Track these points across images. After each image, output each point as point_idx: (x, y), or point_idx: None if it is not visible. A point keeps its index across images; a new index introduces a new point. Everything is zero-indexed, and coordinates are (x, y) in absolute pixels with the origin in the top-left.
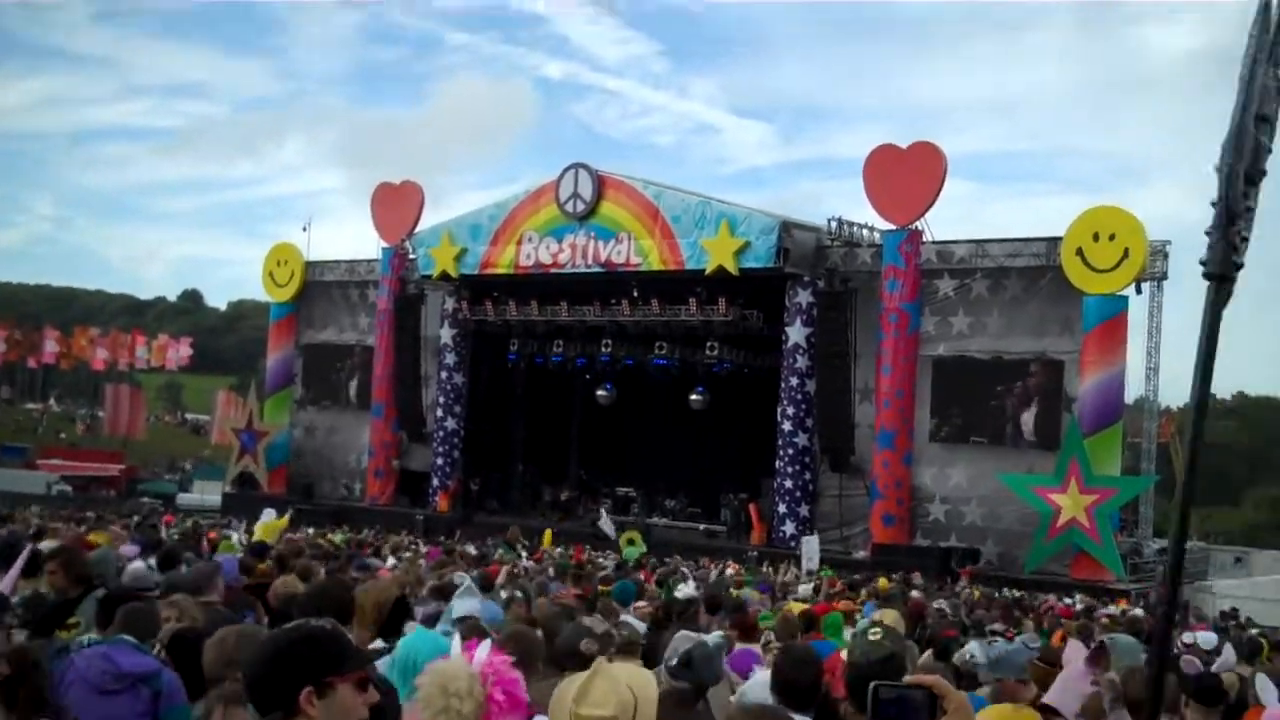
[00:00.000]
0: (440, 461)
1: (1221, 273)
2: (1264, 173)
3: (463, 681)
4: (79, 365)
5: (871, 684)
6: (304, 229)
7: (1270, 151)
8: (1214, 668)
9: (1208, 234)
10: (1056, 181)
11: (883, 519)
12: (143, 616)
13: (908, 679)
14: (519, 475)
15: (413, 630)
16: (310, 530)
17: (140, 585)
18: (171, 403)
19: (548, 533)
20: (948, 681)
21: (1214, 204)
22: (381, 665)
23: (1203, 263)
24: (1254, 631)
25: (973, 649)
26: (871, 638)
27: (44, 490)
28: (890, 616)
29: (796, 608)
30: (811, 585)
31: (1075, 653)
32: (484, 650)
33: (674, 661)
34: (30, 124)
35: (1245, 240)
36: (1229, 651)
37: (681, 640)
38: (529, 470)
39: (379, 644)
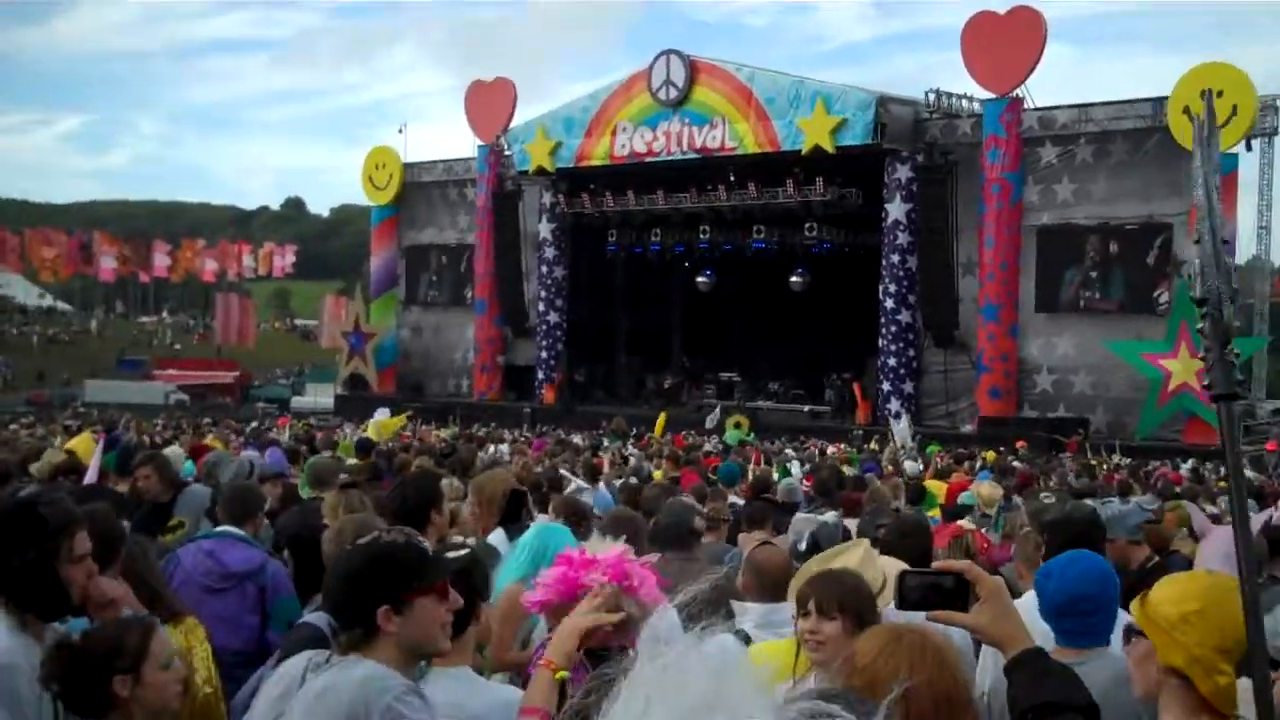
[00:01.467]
0: (544, 355)
1: (1229, 393)
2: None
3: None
4: (189, 277)
5: (898, 571)
6: (400, 131)
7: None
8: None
9: (1203, 359)
10: (1160, 41)
11: (989, 392)
12: (246, 494)
13: (937, 564)
14: (623, 365)
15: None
16: (423, 426)
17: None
18: (280, 309)
19: (661, 418)
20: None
21: (1203, 329)
22: (510, 546)
23: (1207, 386)
24: None
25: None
26: (1045, 499)
27: (162, 400)
28: (985, 489)
29: (935, 486)
30: (917, 464)
31: (1204, 524)
32: (602, 546)
33: (801, 545)
34: (132, 43)
35: (1238, 356)
36: None
37: (802, 523)
38: (632, 360)
39: (499, 533)
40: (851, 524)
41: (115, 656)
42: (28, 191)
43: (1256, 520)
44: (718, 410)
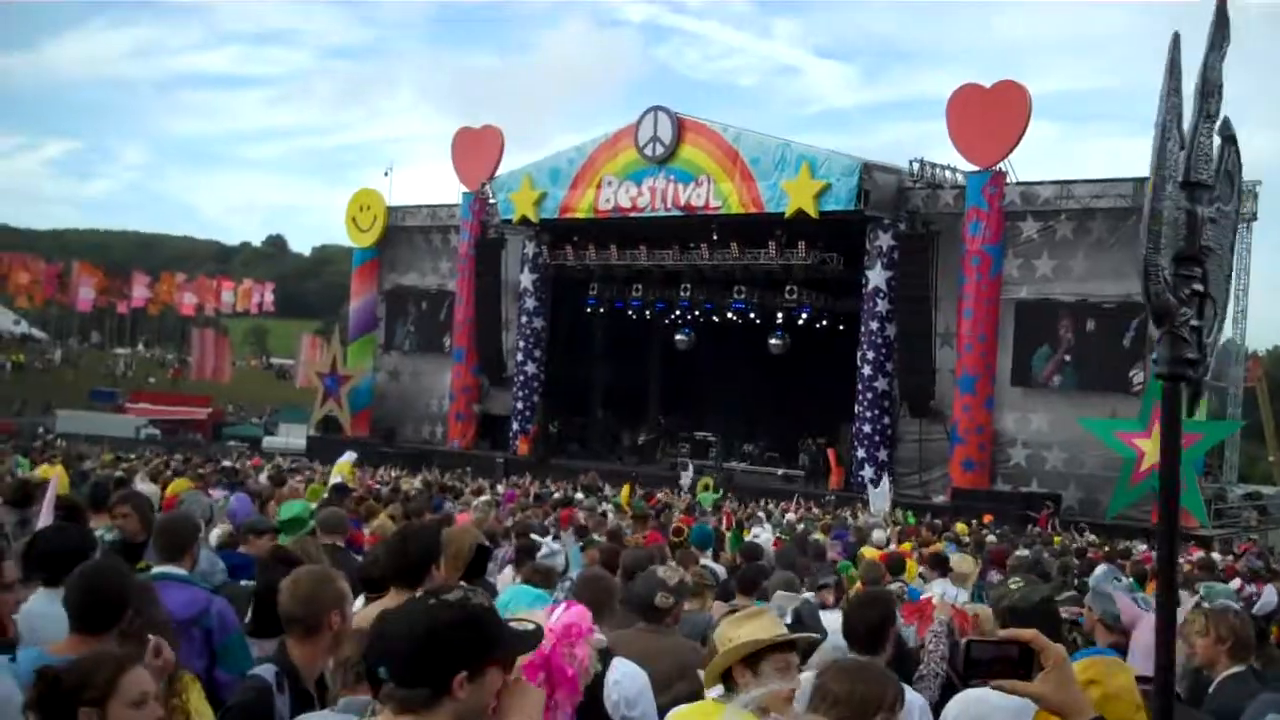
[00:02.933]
0: (520, 405)
1: (1171, 373)
2: (1208, 250)
3: None
4: (166, 310)
5: (964, 640)
6: (385, 174)
7: (1213, 221)
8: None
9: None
10: (1143, 121)
11: (963, 464)
12: (177, 526)
13: (1003, 634)
14: (599, 419)
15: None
16: (393, 473)
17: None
18: (257, 347)
19: (626, 486)
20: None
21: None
22: None
23: (1154, 362)
24: None
25: (1098, 572)
26: (1013, 585)
27: (133, 434)
28: (966, 563)
29: (870, 554)
30: (885, 532)
31: (1130, 612)
32: (558, 613)
33: (785, 619)
34: (120, 73)
35: (1197, 329)
36: (1269, 594)
37: (783, 599)
38: (608, 414)
39: (463, 586)
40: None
41: (83, 689)
42: (7, 216)
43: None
44: (690, 470)
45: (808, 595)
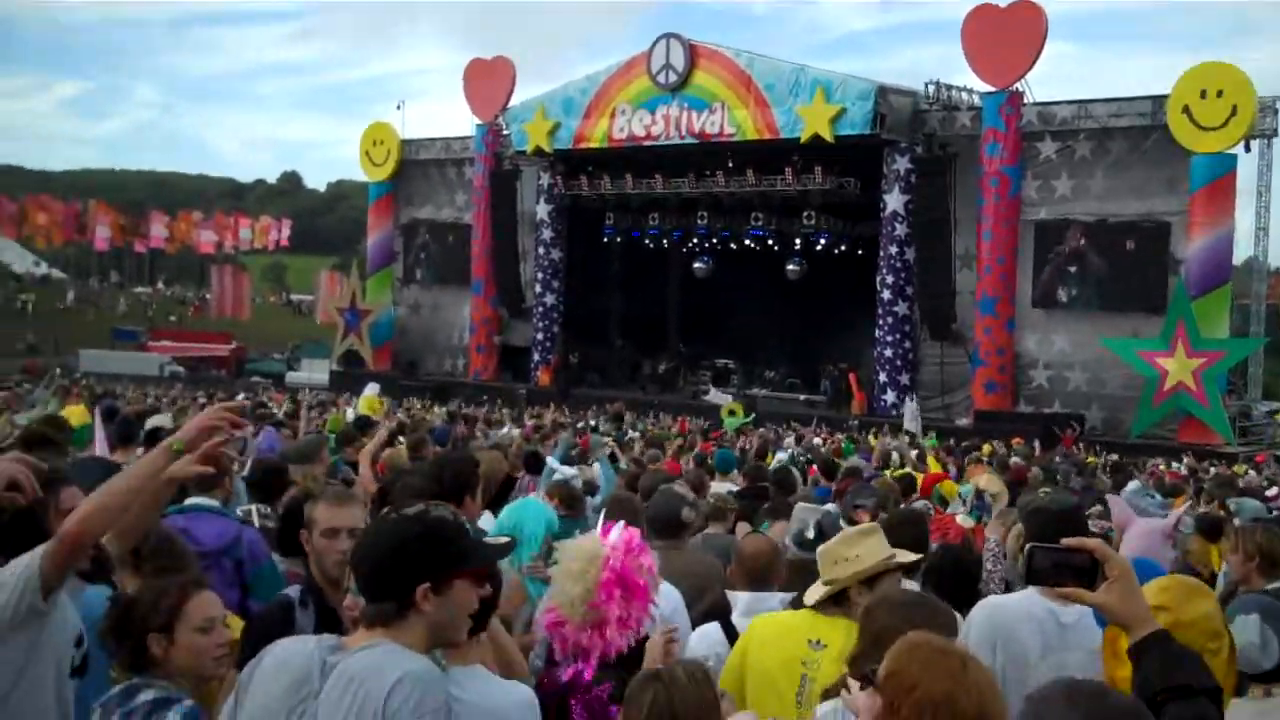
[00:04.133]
0: (540, 336)
1: None
2: None
3: (576, 563)
4: (184, 249)
5: (1028, 546)
6: (398, 108)
7: None
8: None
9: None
10: (1162, 39)
11: (985, 386)
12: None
13: (1068, 542)
14: (618, 349)
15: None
16: (417, 404)
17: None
18: (275, 283)
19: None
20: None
21: None
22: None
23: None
24: None
25: (1131, 486)
26: (1043, 494)
27: (157, 372)
28: (987, 479)
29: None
30: (913, 453)
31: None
32: (616, 532)
33: (808, 533)
34: (131, 12)
35: None
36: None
37: (804, 512)
38: (628, 343)
39: (486, 517)
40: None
41: (151, 614)
42: (23, 158)
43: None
44: (713, 390)
45: (829, 507)
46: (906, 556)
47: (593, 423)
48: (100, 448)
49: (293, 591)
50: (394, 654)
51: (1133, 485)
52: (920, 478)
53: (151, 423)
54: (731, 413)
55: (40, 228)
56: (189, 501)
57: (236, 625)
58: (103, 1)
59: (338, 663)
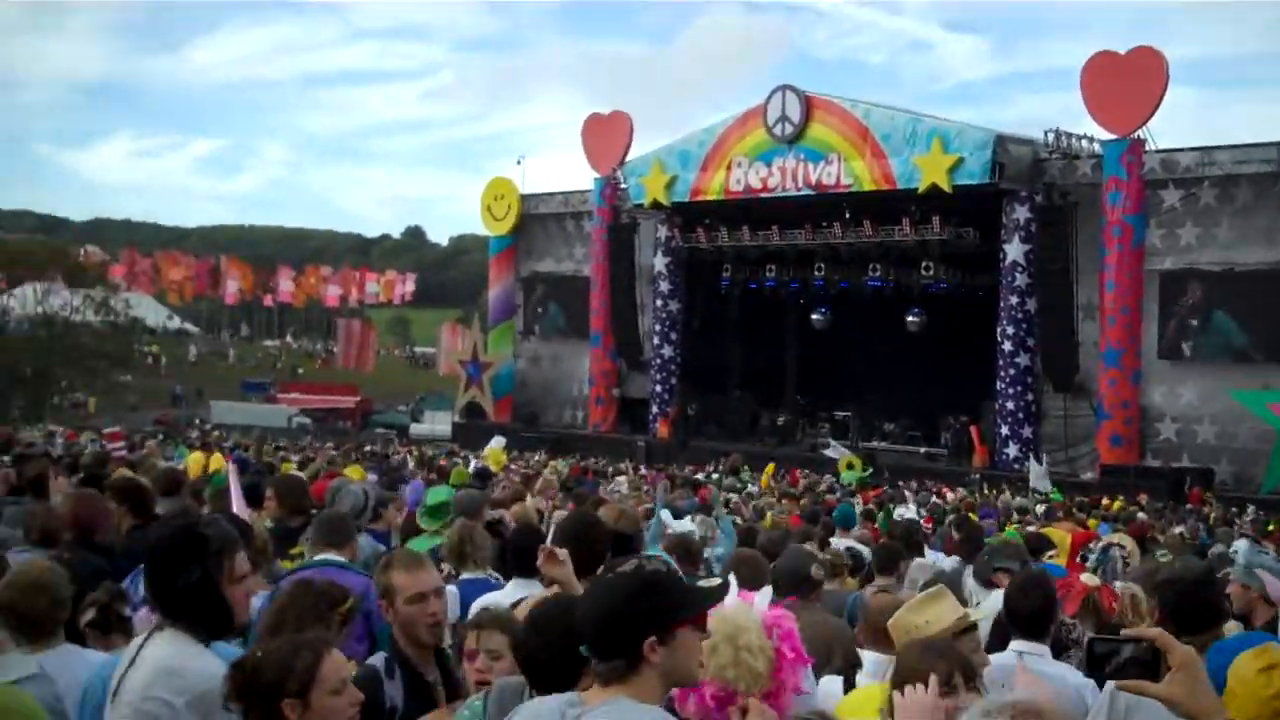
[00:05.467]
0: (658, 388)
1: None
2: None
3: (753, 635)
4: (312, 302)
5: (1088, 637)
6: (518, 163)
7: None
8: None
9: None
10: None
11: (1110, 439)
12: (338, 521)
13: (1127, 632)
14: (736, 401)
15: None
16: (536, 458)
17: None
18: (400, 336)
19: (768, 469)
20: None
21: None
22: None
23: None
24: None
25: (1240, 546)
26: (1162, 558)
27: (285, 423)
28: (1127, 540)
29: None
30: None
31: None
32: (763, 599)
33: (919, 588)
34: (262, 72)
35: None
36: None
37: (918, 570)
38: (746, 396)
39: (639, 555)
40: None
41: (285, 679)
42: (159, 214)
43: None
44: (833, 444)
45: (950, 561)
46: (979, 614)
47: (713, 474)
48: (237, 504)
49: (376, 660)
50: (632, 710)
51: (1242, 544)
52: (1063, 536)
53: None
54: (850, 466)
55: (174, 283)
56: (318, 558)
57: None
58: (237, 61)
59: (579, 717)
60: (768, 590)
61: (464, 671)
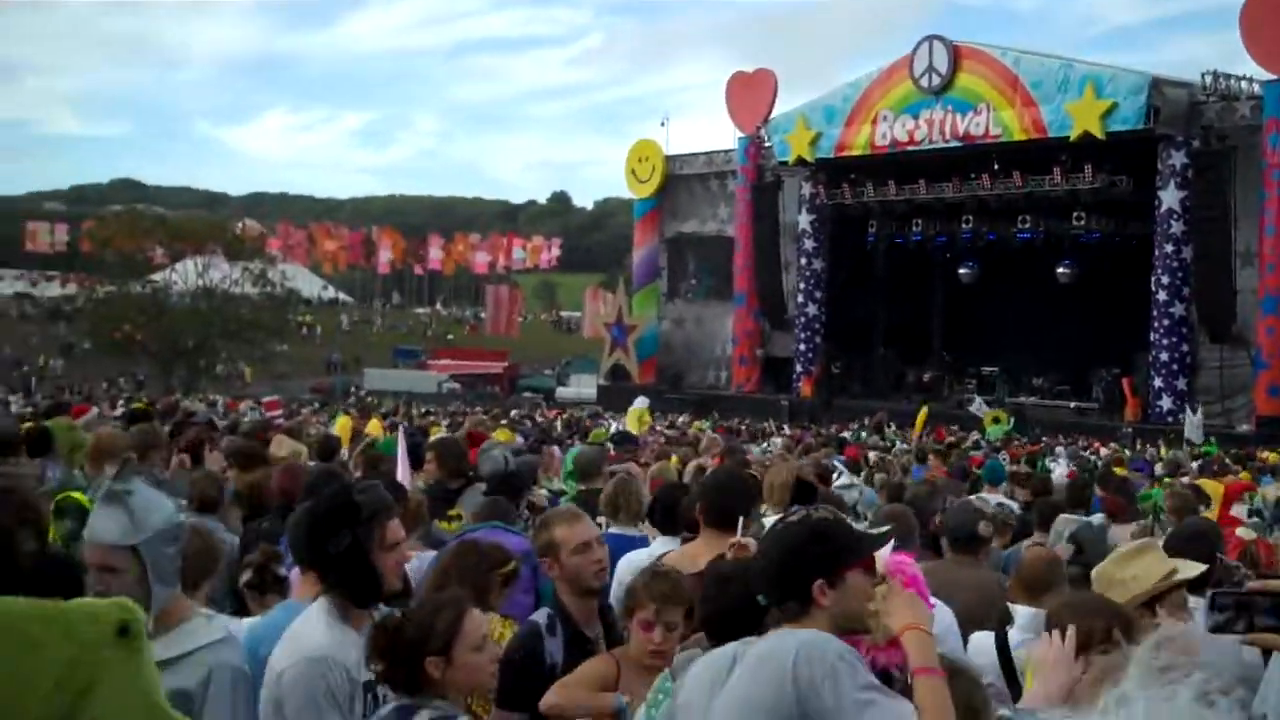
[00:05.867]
0: (803, 347)
1: None
2: None
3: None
4: (460, 270)
5: (1209, 592)
6: (662, 124)
7: None
8: None
9: None
10: None
11: (1268, 390)
12: (502, 508)
13: (1252, 585)
14: (881, 358)
15: None
16: (680, 418)
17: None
18: (546, 301)
19: (922, 413)
20: None
21: None
22: None
23: None
24: None
25: None
26: None
27: (435, 389)
28: (1272, 494)
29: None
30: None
31: None
32: (886, 550)
33: (1060, 546)
34: (412, 42)
35: None
36: None
37: (1063, 523)
38: (891, 352)
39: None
40: (1118, 529)
41: (428, 638)
42: (312, 187)
43: None
44: (977, 400)
45: (1097, 517)
46: (1191, 570)
47: (861, 433)
48: (402, 470)
49: (540, 616)
50: (792, 632)
51: None
52: (1216, 487)
53: None
54: (996, 420)
55: (328, 253)
56: (484, 524)
57: (508, 628)
58: (387, 33)
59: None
60: (888, 547)
61: (629, 632)
